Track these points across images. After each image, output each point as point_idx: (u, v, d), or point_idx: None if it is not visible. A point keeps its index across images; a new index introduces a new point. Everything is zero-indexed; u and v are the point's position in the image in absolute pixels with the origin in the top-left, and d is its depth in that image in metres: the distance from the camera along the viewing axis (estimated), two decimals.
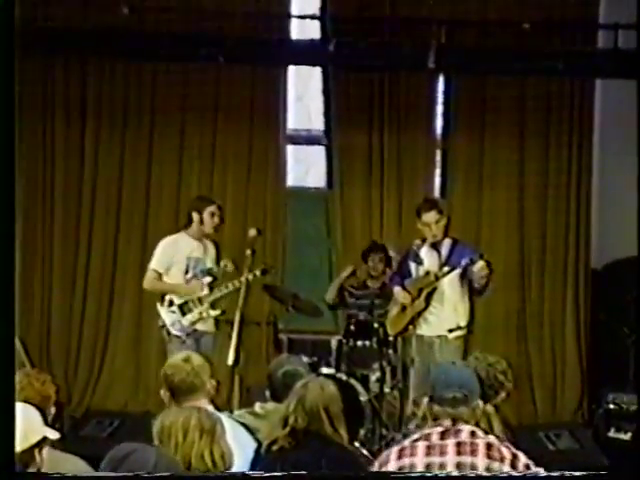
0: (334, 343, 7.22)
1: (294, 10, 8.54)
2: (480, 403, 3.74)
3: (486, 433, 3.60)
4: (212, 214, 6.89)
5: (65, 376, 8.35)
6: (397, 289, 6.84)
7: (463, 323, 6.65)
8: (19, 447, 3.17)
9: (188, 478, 3.40)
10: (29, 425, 3.30)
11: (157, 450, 3.22)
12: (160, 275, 6.91)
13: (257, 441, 4.19)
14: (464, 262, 6.36)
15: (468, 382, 3.72)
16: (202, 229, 6.90)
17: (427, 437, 3.57)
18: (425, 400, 3.75)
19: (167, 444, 3.40)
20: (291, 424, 4.03)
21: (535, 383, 8.28)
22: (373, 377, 6.99)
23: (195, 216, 6.89)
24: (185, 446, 3.38)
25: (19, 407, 3.34)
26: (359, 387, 6.65)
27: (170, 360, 4.50)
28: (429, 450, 3.51)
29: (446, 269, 6.49)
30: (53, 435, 3.39)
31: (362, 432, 6.04)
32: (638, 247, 5.82)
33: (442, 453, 3.49)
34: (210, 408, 4.04)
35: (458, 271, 6.45)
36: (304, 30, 8.51)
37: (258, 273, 6.78)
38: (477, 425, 3.64)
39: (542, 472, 3.50)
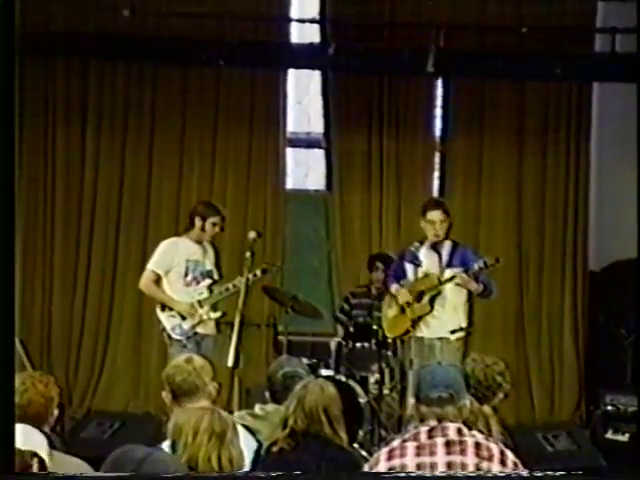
0: (333, 345, 7.24)
1: (294, 14, 8.57)
2: (467, 402, 3.77)
3: (470, 429, 3.63)
4: (214, 224, 6.91)
5: (66, 377, 8.36)
6: (395, 287, 6.72)
7: (464, 324, 6.64)
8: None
9: (187, 478, 3.42)
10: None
11: (172, 455, 3.25)
12: (158, 277, 6.91)
13: (258, 442, 4.21)
14: (477, 266, 6.33)
15: (454, 382, 3.74)
16: (202, 235, 6.92)
17: (416, 437, 3.60)
18: (412, 401, 3.78)
19: (178, 442, 3.44)
20: (291, 425, 4.05)
21: (533, 385, 8.31)
22: (372, 379, 7.01)
23: (198, 222, 6.89)
24: (193, 447, 3.40)
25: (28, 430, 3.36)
26: (358, 389, 6.67)
27: (173, 361, 4.54)
28: (419, 450, 3.54)
29: (449, 272, 6.47)
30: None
31: (361, 434, 6.08)
32: (637, 249, 5.85)
33: (432, 453, 3.52)
34: None
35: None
36: (304, 34, 8.53)
37: (259, 273, 6.80)
38: (468, 425, 3.66)
39: (528, 472, 3.54)
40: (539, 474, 3.41)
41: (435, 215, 6.52)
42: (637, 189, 6.69)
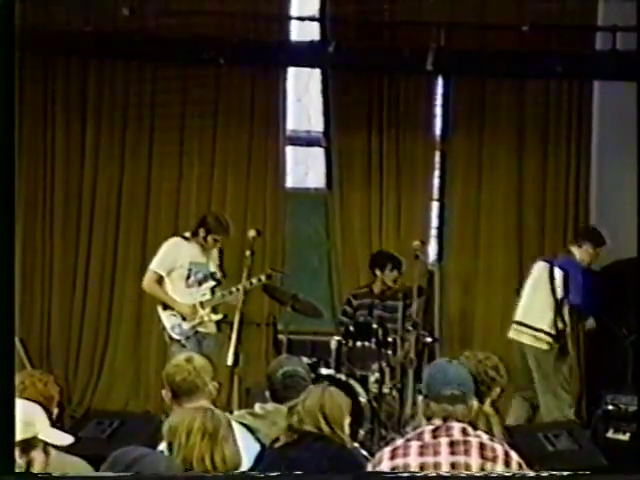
0: (334, 344, 7.23)
1: (294, 12, 8.56)
2: (475, 403, 3.74)
3: (475, 429, 3.60)
4: (216, 240, 6.88)
5: (65, 376, 8.35)
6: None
7: None
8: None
9: (189, 478, 3.42)
10: (28, 419, 3.32)
11: (167, 458, 3.25)
12: (161, 277, 6.90)
13: (259, 442, 4.20)
14: None
15: (465, 380, 3.72)
16: (203, 243, 6.89)
17: (419, 436, 3.57)
18: (420, 398, 3.75)
19: (173, 444, 3.43)
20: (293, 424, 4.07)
21: None
22: (372, 378, 7.01)
23: (201, 232, 6.87)
24: (187, 447, 3.40)
25: (25, 404, 3.37)
26: (358, 388, 6.68)
27: (173, 360, 4.53)
28: (422, 450, 3.51)
29: None
30: (55, 439, 3.38)
31: (361, 432, 6.08)
32: (637, 248, 5.85)
33: (435, 453, 3.49)
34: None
35: None
36: (304, 32, 8.53)
37: (263, 278, 6.80)
38: (473, 425, 3.64)
39: (532, 472, 3.52)
40: (540, 474, 3.39)
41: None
42: (637, 188, 6.74)
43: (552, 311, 7.04)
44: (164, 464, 3.09)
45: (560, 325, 7.04)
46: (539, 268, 7.19)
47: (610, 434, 7.24)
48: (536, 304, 7.14)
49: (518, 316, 7.21)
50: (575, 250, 7.14)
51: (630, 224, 6.43)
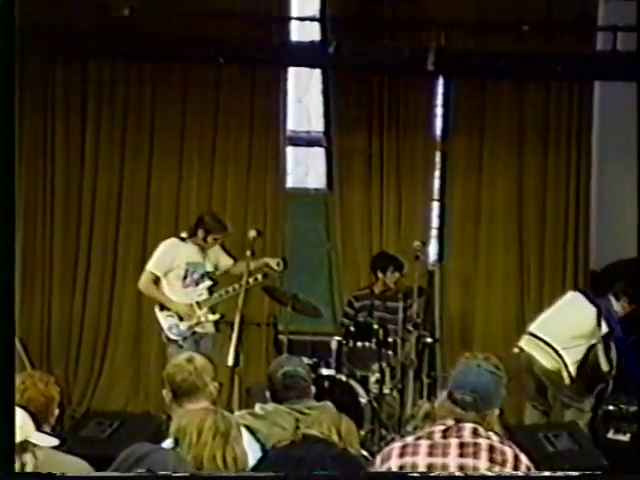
0: (334, 344, 7.23)
1: (294, 12, 8.56)
2: (495, 412, 3.62)
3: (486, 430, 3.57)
4: (216, 239, 6.89)
5: (65, 377, 8.35)
6: None
7: None
8: None
9: (189, 478, 3.42)
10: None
11: (176, 454, 3.25)
12: (157, 278, 6.90)
13: (259, 442, 4.21)
14: None
15: (483, 388, 3.56)
16: (203, 244, 6.90)
17: (430, 435, 3.53)
18: (444, 394, 3.69)
19: (182, 443, 3.43)
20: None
21: None
22: (372, 378, 7.01)
23: (200, 233, 6.87)
24: (198, 446, 3.40)
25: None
26: (359, 388, 6.68)
27: (173, 360, 4.53)
28: (431, 450, 3.46)
29: None
30: (43, 442, 3.36)
31: (362, 433, 6.07)
32: (637, 248, 5.84)
33: (444, 454, 3.44)
34: None
35: None
36: (304, 32, 8.53)
37: (260, 277, 6.80)
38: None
39: (547, 472, 3.49)
40: (541, 474, 3.37)
41: None
42: (637, 188, 6.74)
43: (584, 350, 7.03)
44: (173, 460, 3.10)
45: (605, 367, 7.06)
46: (577, 301, 7.10)
47: (610, 435, 7.24)
48: (562, 329, 7.04)
49: (535, 329, 7.08)
50: (612, 300, 7.05)
51: (630, 224, 6.43)
